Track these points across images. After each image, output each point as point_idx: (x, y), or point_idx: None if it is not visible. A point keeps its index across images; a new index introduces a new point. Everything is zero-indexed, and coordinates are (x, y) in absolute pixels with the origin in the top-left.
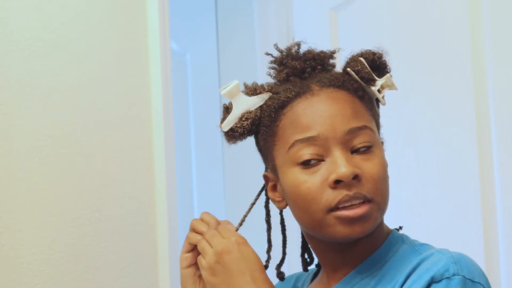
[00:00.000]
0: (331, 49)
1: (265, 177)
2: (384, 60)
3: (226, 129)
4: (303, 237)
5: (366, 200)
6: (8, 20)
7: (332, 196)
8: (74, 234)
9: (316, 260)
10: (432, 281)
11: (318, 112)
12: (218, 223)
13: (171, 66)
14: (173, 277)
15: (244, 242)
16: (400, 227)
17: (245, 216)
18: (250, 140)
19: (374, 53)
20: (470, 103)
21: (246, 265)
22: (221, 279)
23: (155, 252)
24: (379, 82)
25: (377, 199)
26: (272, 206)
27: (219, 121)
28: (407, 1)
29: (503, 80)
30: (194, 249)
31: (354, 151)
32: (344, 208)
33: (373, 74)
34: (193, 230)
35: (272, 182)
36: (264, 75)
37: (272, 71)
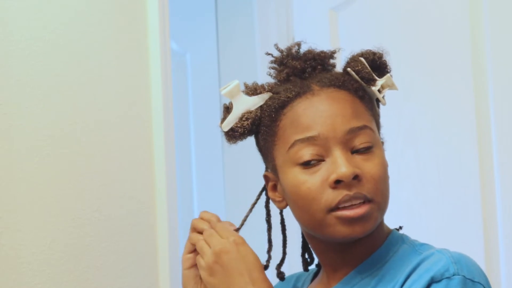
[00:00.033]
0: (331, 49)
1: (265, 177)
2: (385, 60)
3: (226, 129)
4: (303, 237)
5: (366, 200)
6: (8, 20)
7: (332, 196)
8: (74, 234)
9: (316, 260)
10: (432, 281)
11: (319, 112)
12: (218, 220)
13: (171, 66)
14: (173, 277)
15: (243, 242)
16: (400, 227)
17: (247, 216)
18: (250, 140)
19: (374, 53)
20: (470, 103)
21: (245, 265)
22: (219, 279)
23: (155, 252)
24: (380, 82)
25: (377, 199)
26: (272, 206)
27: (219, 121)
28: (407, 1)
29: (503, 80)
30: (196, 249)
31: (355, 151)
32: (345, 208)
33: (374, 74)
34: (194, 229)
35: (272, 182)
36: (264, 75)
37: (272, 71)
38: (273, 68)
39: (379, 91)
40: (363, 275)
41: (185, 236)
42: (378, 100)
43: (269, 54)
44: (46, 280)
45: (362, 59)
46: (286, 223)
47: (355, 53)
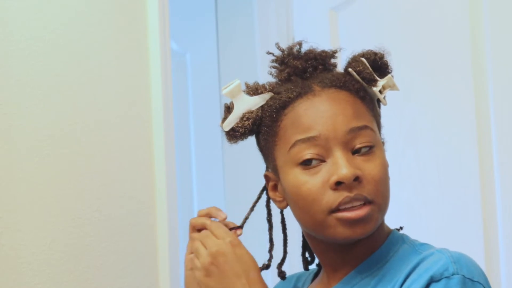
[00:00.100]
0: (332, 48)
1: (266, 176)
2: (386, 61)
3: (227, 129)
4: (303, 236)
5: (367, 202)
6: (8, 20)
7: (333, 198)
8: (74, 234)
9: (317, 260)
10: (432, 280)
11: (319, 113)
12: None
13: (171, 66)
14: (173, 277)
15: (239, 243)
16: (401, 227)
17: (248, 215)
18: (250, 140)
19: (375, 53)
20: (470, 103)
21: (241, 266)
22: (216, 281)
23: (155, 252)
24: (381, 82)
25: (378, 200)
26: (273, 205)
27: (220, 121)
28: (407, 1)
29: (503, 80)
30: None
31: (355, 151)
32: (345, 209)
33: (375, 75)
34: (194, 229)
35: (273, 182)
36: (264, 75)
37: (273, 70)
38: (274, 67)
39: (380, 91)
40: (363, 275)
41: (185, 236)
42: (379, 101)
43: (270, 53)
44: (46, 280)
45: (363, 59)
46: (287, 222)
47: (356, 53)
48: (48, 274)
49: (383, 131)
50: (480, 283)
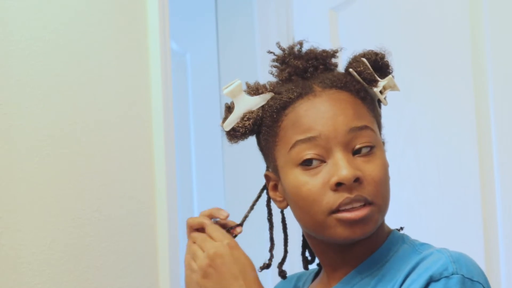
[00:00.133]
0: (333, 48)
1: (266, 176)
2: (387, 61)
3: (227, 129)
4: (303, 236)
5: (367, 203)
6: (8, 20)
7: (333, 199)
8: (74, 234)
9: (317, 259)
10: (431, 280)
11: (320, 113)
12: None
13: (171, 66)
14: (173, 277)
15: (236, 245)
16: (401, 228)
17: (248, 213)
18: (250, 140)
19: (376, 54)
20: (470, 103)
21: (238, 268)
22: (213, 282)
23: (155, 252)
24: (381, 83)
25: (378, 201)
26: (273, 205)
27: (221, 120)
28: (407, 1)
29: (503, 80)
30: None
31: (356, 152)
32: (345, 210)
33: (375, 75)
34: (191, 228)
35: (273, 182)
36: (264, 75)
37: (274, 70)
38: (274, 66)
39: (381, 92)
40: (363, 275)
41: (185, 236)
42: (379, 101)
43: (271, 52)
44: (46, 280)
45: (364, 59)
46: (287, 222)
47: (357, 54)
48: (48, 274)
49: (383, 131)
50: (479, 282)
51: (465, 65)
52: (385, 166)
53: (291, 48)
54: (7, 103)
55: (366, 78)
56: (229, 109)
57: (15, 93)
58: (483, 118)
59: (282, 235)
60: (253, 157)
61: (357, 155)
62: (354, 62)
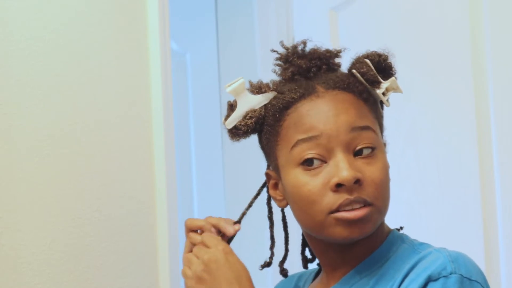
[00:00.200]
0: (337, 48)
1: (267, 175)
2: (390, 62)
3: (229, 127)
4: (303, 235)
5: (366, 204)
6: (8, 20)
7: (333, 200)
8: (74, 234)
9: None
10: (430, 279)
11: (322, 113)
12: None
13: (171, 66)
14: (173, 277)
15: (230, 251)
16: (401, 227)
17: (246, 210)
18: (251, 140)
19: (380, 55)
20: (470, 103)
21: (233, 274)
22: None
23: (155, 252)
24: (384, 84)
25: (378, 203)
26: (274, 203)
27: (223, 118)
28: (407, 1)
29: (503, 80)
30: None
31: (357, 153)
32: (345, 210)
33: (378, 77)
34: (190, 229)
35: (273, 181)
36: (264, 75)
37: (277, 68)
38: (278, 65)
39: (383, 93)
40: (362, 274)
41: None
42: (382, 102)
43: (274, 51)
44: (46, 280)
45: (367, 60)
46: (288, 220)
47: (361, 54)
48: (48, 274)
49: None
50: (478, 282)
51: (465, 65)
52: (385, 168)
53: (295, 47)
54: (7, 103)
55: (369, 80)
56: (231, 107)
57: (15, 93)
58: (483, 118)
59: (282, 234)
60: (253, 157)
61: (358, 156)
62: (357, 63)
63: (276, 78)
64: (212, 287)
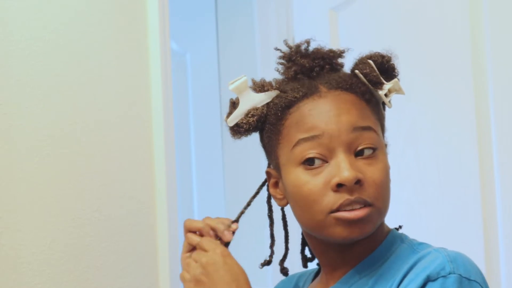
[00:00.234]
0: (341, 48)
1: (267, 173)
2: (393, 64)
3: (231, 124)
4: (302, 234)
5: (367, 205)
6: (8, 20)
7: (334, 200)
8: (74, 234)
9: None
10: (428, 279)
11: (324, 113)
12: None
13: (171, 66)
14: (173, 277)
15: (228, 254)
16: (400, 226)
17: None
18: (251, 140)
19: (383, 56)
20: (470, 103)
21: (231, 276)
22: None
23: (155, 252)
24: (387, 86)
25: (378, 204)
26: (274, 201)
27: (225, 116)
28: (407, 1)
29: (503, 80)
30: (194, 249)
31: (358, 153)
32: (345, 210)
33: (381, 78)
34: (189, 230)
35: (274, 179)
36: (264, 75)
37: (280, 67)
38: (281, 63)
39: (385, 95)
40: (361, 274)
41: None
42: (384, 103)
43: (277, 49)
44: (46, 280)
45: (370, 61)
46: (288, 219)
47: (364, 55)
48: (48, 274)
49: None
50: (476, 282)
51: (465, 65)
52: (386, 170)
53: (298, 46)
54: (7, 103)
55: (371, 81)
56: (233, 104)
57: (15, 93)
58: (483, 118)
59: (282, 232)
60: (253, 157)
61: (359, 157)
62: (360, 63)
63: (279, 76)
64: None
